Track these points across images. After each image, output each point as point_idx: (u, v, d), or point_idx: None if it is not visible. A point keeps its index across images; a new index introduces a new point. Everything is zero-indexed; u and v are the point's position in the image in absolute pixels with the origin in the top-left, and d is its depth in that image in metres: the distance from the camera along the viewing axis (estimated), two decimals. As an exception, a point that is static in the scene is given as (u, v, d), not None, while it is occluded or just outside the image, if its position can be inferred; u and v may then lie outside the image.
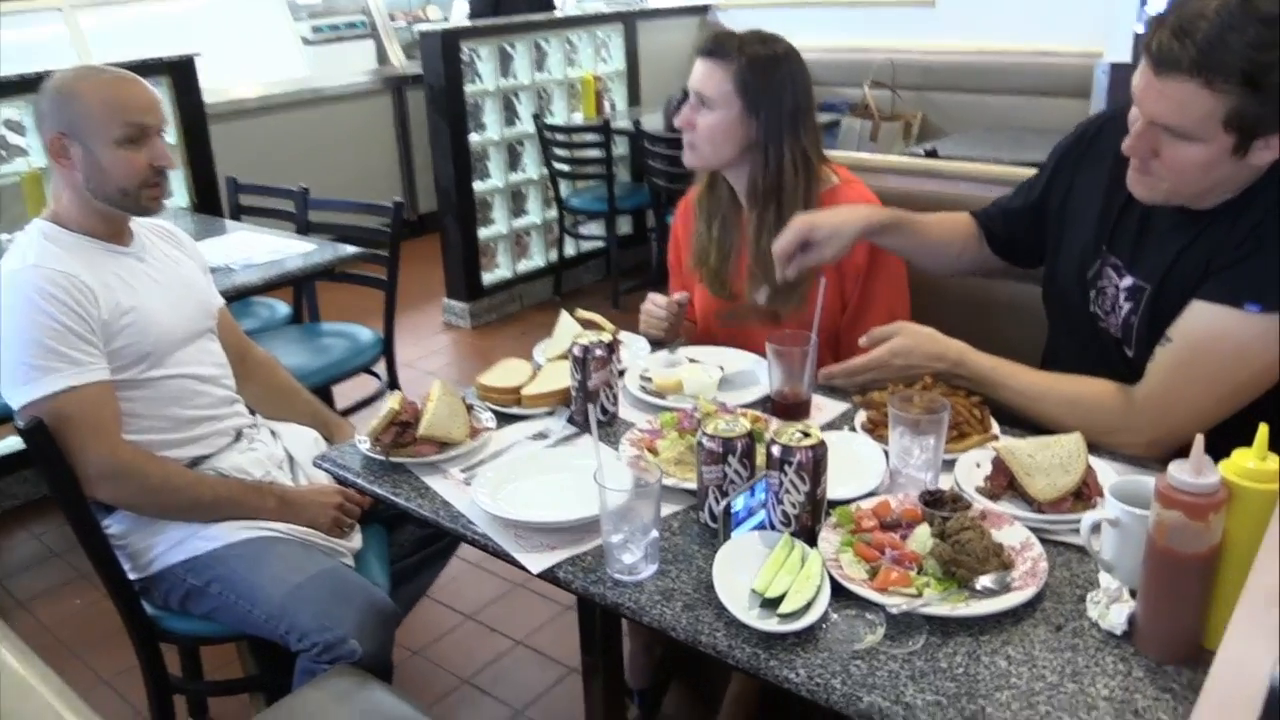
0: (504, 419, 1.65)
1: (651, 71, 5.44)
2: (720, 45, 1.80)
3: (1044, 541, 1.25)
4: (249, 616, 1.63)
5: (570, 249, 5.19)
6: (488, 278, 4.87)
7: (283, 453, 1.92)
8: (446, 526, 1.38)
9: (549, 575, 1.26)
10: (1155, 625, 1.07)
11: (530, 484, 1.43)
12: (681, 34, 5.66)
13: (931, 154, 3.71)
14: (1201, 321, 1.37)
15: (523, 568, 1.27)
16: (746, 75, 1.78)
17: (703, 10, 5.78)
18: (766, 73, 1.79)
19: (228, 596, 1.65)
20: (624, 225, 5.20)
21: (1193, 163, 1.32)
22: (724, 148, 1.82)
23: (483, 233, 4.82)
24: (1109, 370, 1.51)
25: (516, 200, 5.02)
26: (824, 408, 1.66)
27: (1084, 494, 1.32)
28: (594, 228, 5.15)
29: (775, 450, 1.24)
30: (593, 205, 4.86)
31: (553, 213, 5.06)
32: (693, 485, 1.36)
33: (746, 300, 1.90)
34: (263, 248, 2.90)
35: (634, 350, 1.89)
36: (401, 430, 1.52)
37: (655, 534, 1.23)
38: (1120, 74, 4.06)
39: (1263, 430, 1.02)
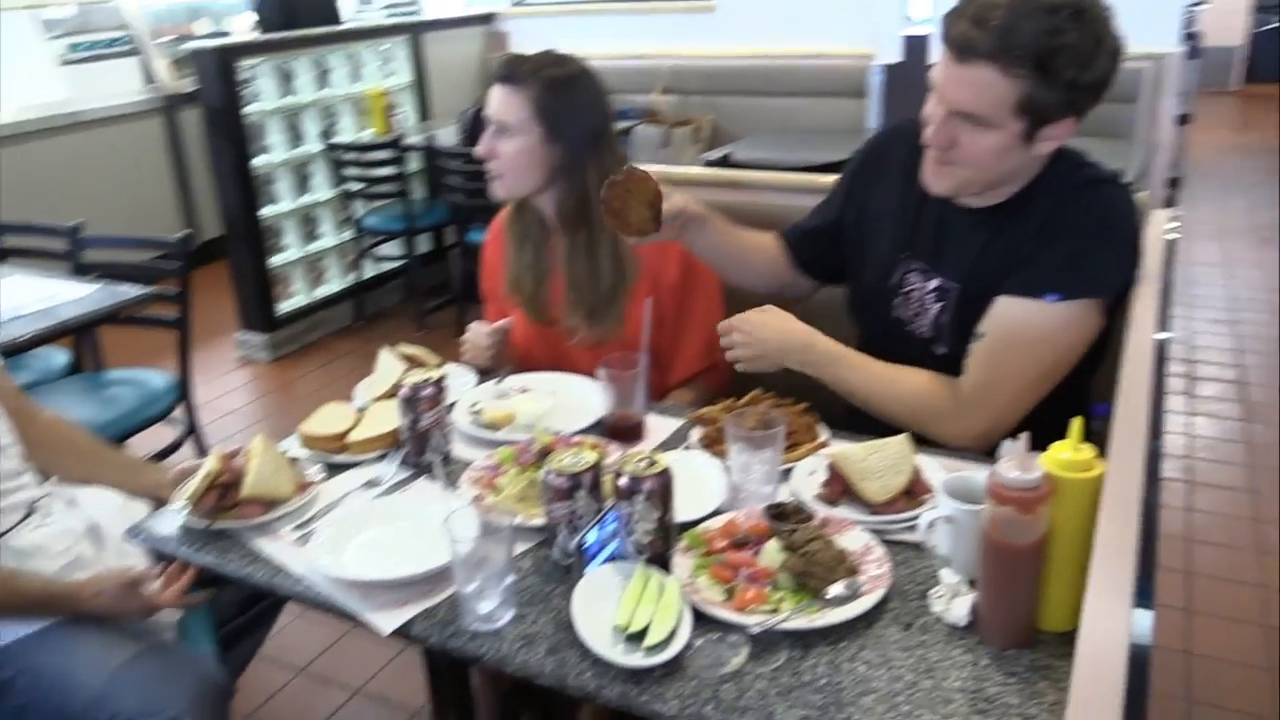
0: (332, 468, 1.58)
1: (441, 84, 5.34)
2: (515, 70, 1.78)
3: (883, 542, 1.30)
4: (65, 709, 1.48)
5: (369, 271, 5.03)
6: (284, 306, 4.65)
7: (83, 524, 1.76)
8: (285, 592, 1.30)
9: (402, 633, 1.21)
10: (995, 614, 1.13)
11: (371, 537, 1.37)
12: (468, 44, 5.59)
13: (726, 160, 3.81)
14: (1009, 315, 1.48)
15: (374, 629, 1.22)
16: (544, 99, 1.77)
17: (487, 19, 5.73)
18: (564, 95, 1.78)
19: (38, 691, 1.50)
20: (423, 243, 5.08)
21: (988, 150, 1.43)
22: (529, 175, 1.81)
23: (275, 260, 4.60)
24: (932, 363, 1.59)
25: (309, 223, 4.82)
26: (658, 427, 1.67)
27: (914, 492, 1.38)
28: (392, 247, 5.01)
29: (623, 481, 1.23)
30: (390, 224, 4.73)
31: (348, 234, 4.89)
32: (541, 522, 1.34)
33: (564, 325, 1.89)
34: (33, 294, 2.66)
35: (460, 382, 1.84)
36: (223, 493, 1.42)
37: (510, 578, 1.21)
38: (893, 74, 4.30)
39: (1076, 423, 1.10)
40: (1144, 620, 0.76)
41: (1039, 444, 1.32)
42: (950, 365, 1.55)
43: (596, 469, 1.28)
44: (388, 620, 1.22)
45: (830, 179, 2.01)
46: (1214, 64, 9.49)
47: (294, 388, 4.30)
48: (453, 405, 1.69)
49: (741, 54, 5.02)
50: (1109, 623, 0.76)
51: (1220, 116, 9.39)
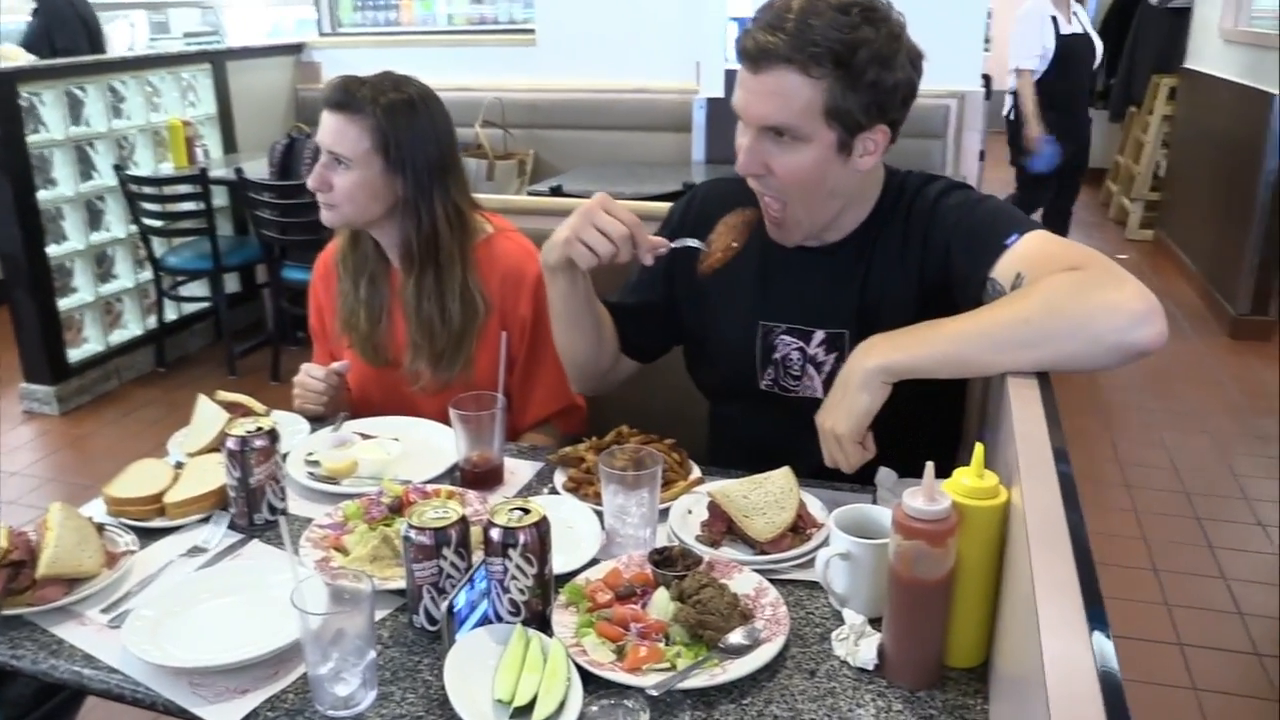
0: (146, 535, 1.37)
1: (248, 115, 5.03)
2: (351, 97, 1.65)
3: (773, 583, 1.22)
4: None
5: (171, 313, 4.65)
6: (75, 354, 4.22)
7: None
8: (95, 688, 1.09)
9: (244, 729, 1.03)
10: (905, 654, 1.07)
11: (198, 615, 1.18)
12: (277, 74, 5.30)
13: (557, 191, 3.73)
14: (1006, 266, 1.30)
15: (207, 726, 1.03)
16: (385, 129, 1.64)
17: (296, 49, 5.45)
18: (406, 124, 1.66)
19: None
20: (232, 283, 4.75)
21: (804, 167, 1.37)
22: (368, 208, 1.68)
23: (63, 303, 4.17)
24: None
25: (102, 263, 4.41)
26: (517, 471, 1.56)
27: (800, 528, 1.31)
28: (197, 288, 4.66)
29: (495, 534, 1.11)
30: (194, 263, 4.39)
31: (147, 274, 4.50)
32: (398, 585, 1.19)
33: (406, 368, 1.76)
34: None
35: (291, 431, 1.66)
36: (14, 573, 1.19)
37: (372, 654, 1.05)
38: (715, 108, 4.34)
39: (979, 449, 1.05)
40: (1105, 648, 0.70)
41: (918, 473, 1.28)
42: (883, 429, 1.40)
43: (464, 522, 1.15)
44: (226, 714, 1.04)
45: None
46: (997, 106, 10.18)
47: (89, 443, 3.89)
48: (285, 457, 1.52)
49: (564, 87, 4.96)
50: (1072, 644, 0.69)
51: (1003, 154, 10.05)
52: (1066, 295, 1.19)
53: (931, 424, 1.53)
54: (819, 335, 1.50)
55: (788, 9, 1.32)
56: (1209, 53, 5.82)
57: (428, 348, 1.72)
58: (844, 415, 1.26)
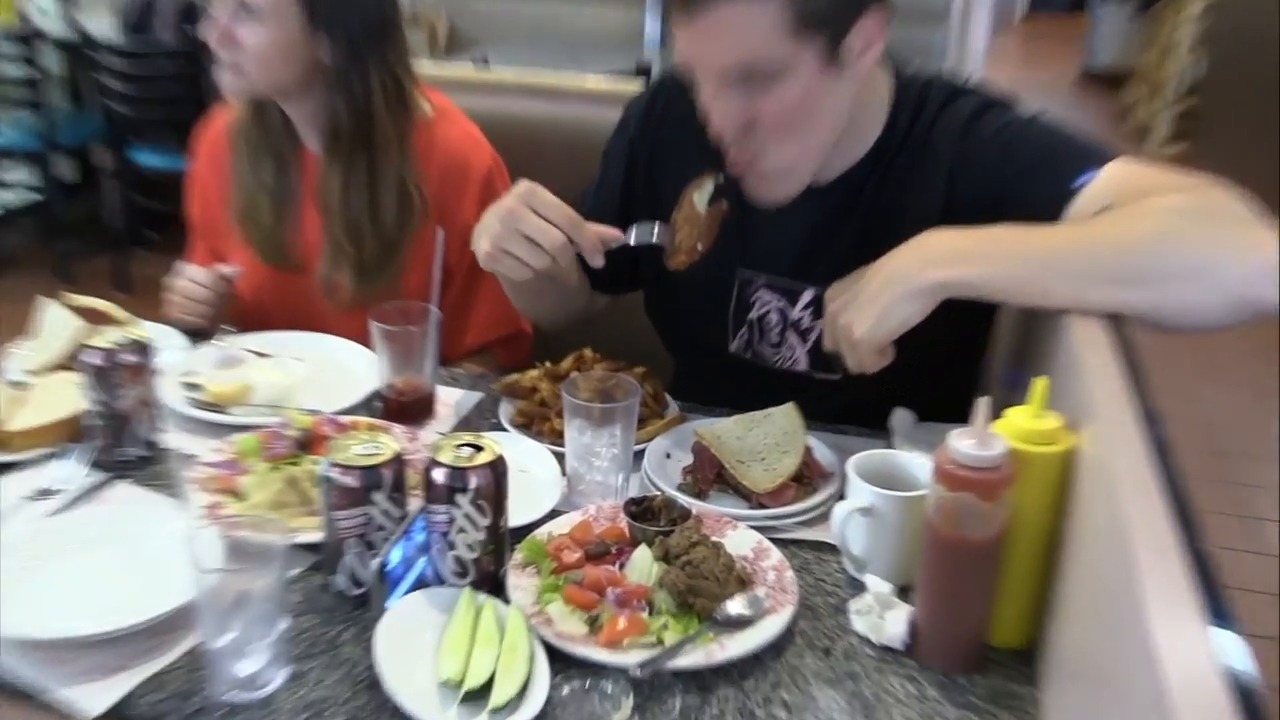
0: (-21, 473, 1.30)
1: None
2: None
3: (774, 542, 1.20)
4: None
5: (-12, 205, 4.52)
6: None
7: None
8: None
9: (120, 715, 0.98)
10: (942, 630, 1.06)
11: (53, 573, 1.13)
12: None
13: (483, 63, 3.64)
14: (1092, 205, 1.25)
15: (73, 712, 0.98)
16: None
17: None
18: None
19: None
20: (66, 168, 4.62)
21: (794, 102, 1.29)
22: (281, 73, 1.62)
23: None
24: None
25: (-102, 139, 4.23)
26: (452, 402, 1.53)
27: (805, 477, 1.30)
28: (22, 173, 4.53)
29: (439, 475, 1.07)
30: (17, 142, 4.32)
31: (-42, 155, 4.35)
32: (313, 538, 1.15)
33: (319, 276, 1.72)
34: None
35: (164, 346, 1.59)
36: None
37: (283, 623, 1.01)
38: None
39: (1040, 383, 1.03)
40: (1232, 645, 0.69)
41: (937, 417, 1.26)
42: (854, 391, 1.40)
43: (400, 459, 1.11)
44: (94, 697, 0.99)
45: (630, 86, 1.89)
46: (1001, -8, 10.22)
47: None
48: (160, 377, 1.45)
49: (488, -58, 4.85)
50: (1188, 651, 0.67)
51: (1007, 51, 10.14)
52: (1188, 223, 1.14)
53: (951, 361, 1.51)
54: (806, 295, 1.46)
55: None
56: (1257, -68, 5.86)
57: (353, 253, 1.68)
58: (871, 319, 1.19)
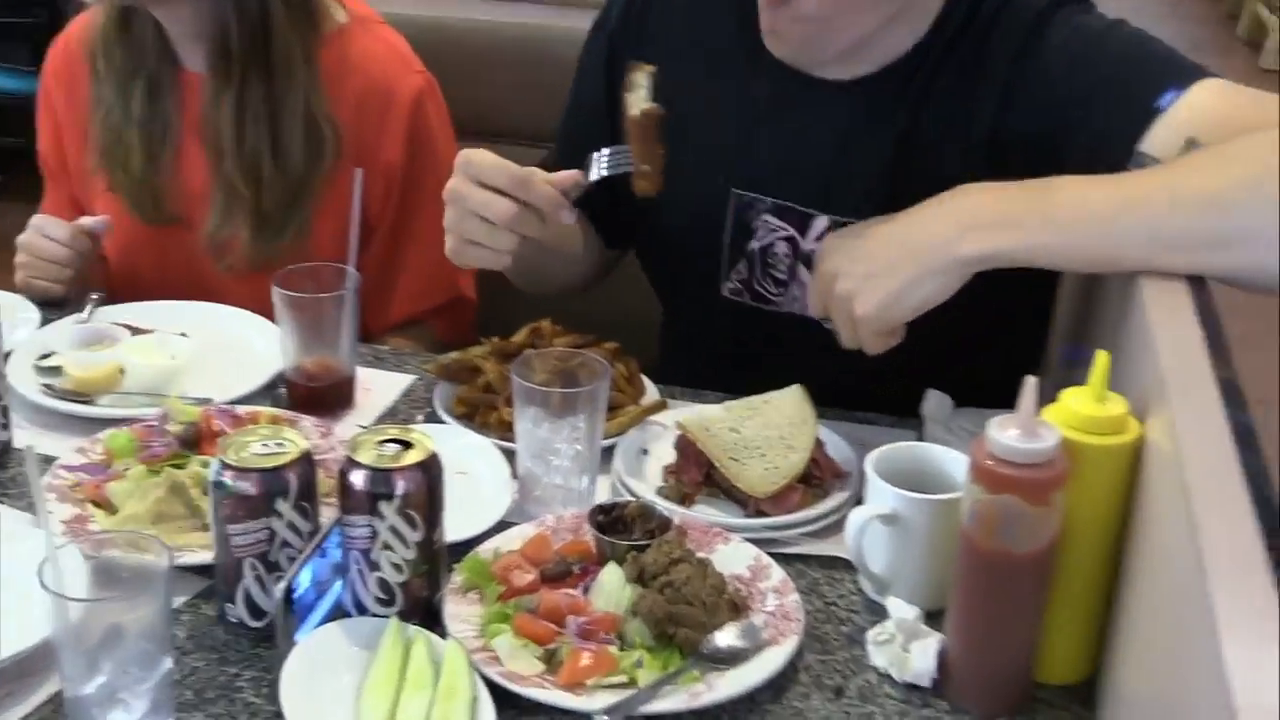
0: None
1: None
2: None
3: (775, 558, 1.24)
4: None
5: None
6: None
7: None
8: None
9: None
10: (979, 664, 1.10)
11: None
12: None
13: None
14: (1176, 130, 1.29)
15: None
16: None
17: None
18: None
19: None
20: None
21: None
22: None
23: None
24: (802, 366, 1.44)
25: None
26: (375, 388, 1.57)
27: (815, 478, 1.33)
28: None
29: (358, 479, 1.11)
30: None
31: None
32: (200, 558, 1.19)
33: (207, 231, 1.74)
34: None
35: (12, 321, 1.64)
36: None
37: (166, 663, 1.04)
38: None
39: (1102, 359, 1.05)
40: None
41: (981, 403, 1.29)
42: (903, 350, 1.36)
43: (309, 459, 1.15)
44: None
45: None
46: None
47: None
48: (7, 358, 1.49)
49: None
50: (1269, 692, 0.70)
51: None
52: None
53: (1004, 332, 1.54)
54: (821, 222, 1.50)
55: None
56: None
57: (250, 201, 1.70)
58: (882, 295, 1.23)
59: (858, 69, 1.47)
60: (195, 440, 1.35)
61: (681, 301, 1.70)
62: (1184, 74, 1.31)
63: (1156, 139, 1.28)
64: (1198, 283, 1.19)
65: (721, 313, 1.59)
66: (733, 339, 1.60)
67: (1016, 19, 1.42)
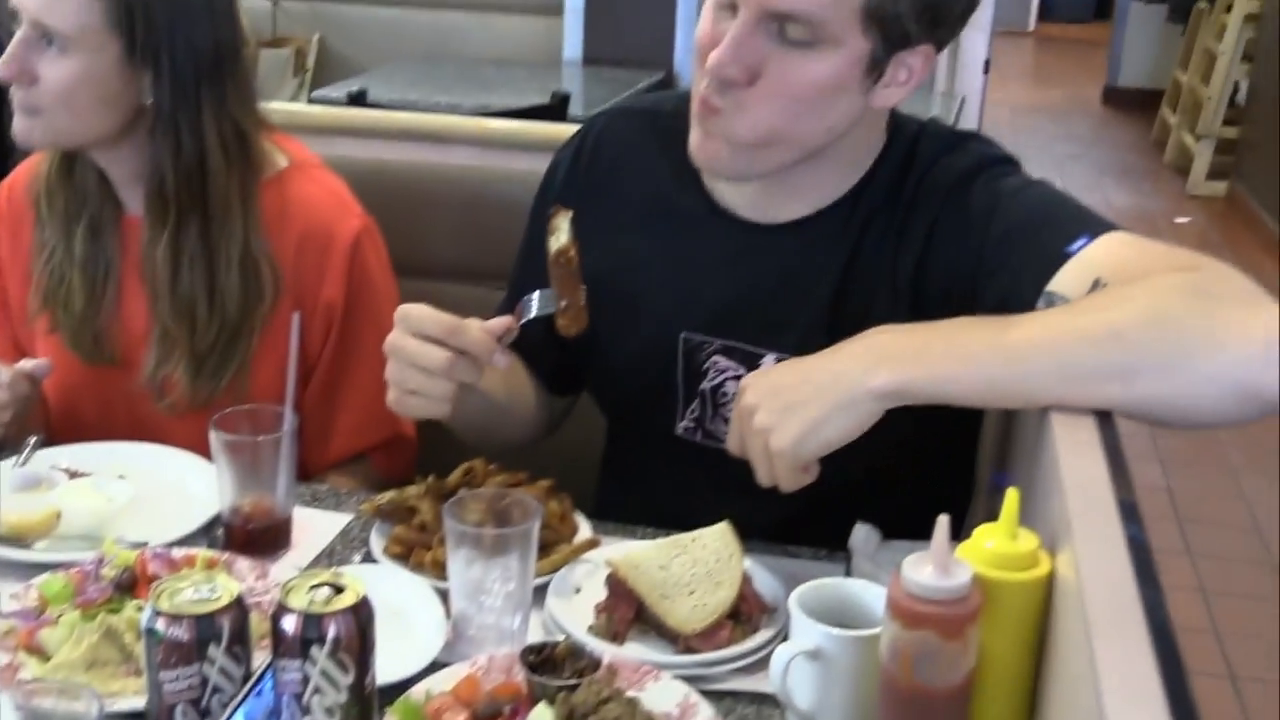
0: None
1: None
2: None
3: (704, 695, 1.24)
4: None
5: None
6: None
7: None
8: None
9: None
10: (905, 802, 1.10)
11: None
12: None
13: (358, 99, 3.71)
14: (1083, 272, 1.33)
15: None
16: None
17: None
18: None
19: None
20: None
21: (814, 82, 1.40)
22: (94, 118, 1.67)
23: None
24: (744, 502, 1.42)
25: None
26: (311, 528, 1.57)
27: (743, 613, 1.35)
28: None
29: (290, 624, 1.11)
30: None
31: None
32: (133, 704, 1.19)
33: (145, 371, 1.75)
34: None
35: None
36: None
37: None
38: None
39: (1011, 497, 1.09)
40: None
41: (913, 533, 1.32)
42: (836, 483, 1.37)
43: (240, 605, 1.15)
44: None
45: (557, 128, 1.97)
46: (1008, -5, 10.53)
47: None
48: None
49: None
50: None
51: (1015, 65, 10.43)
52: (1182, 303, 1.21)
53: (933, 464, 1.59)
54: (769, 360, 1.53)
55: None
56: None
57: (186, 342, 1.71)
58: (797, 429, 1.25)
59: (795, 212, 1.52)
60: (131, 584, 1.34)
61: (635, 439, 1.72)
62: (1097, 226, 1.37)
63: (1066, 280, 1.32)
64: (1105, 419, 1.23)
65: (673, 451, 1.62)
66: (683, 476, 1.62)
67: (945, 174, 1.49)
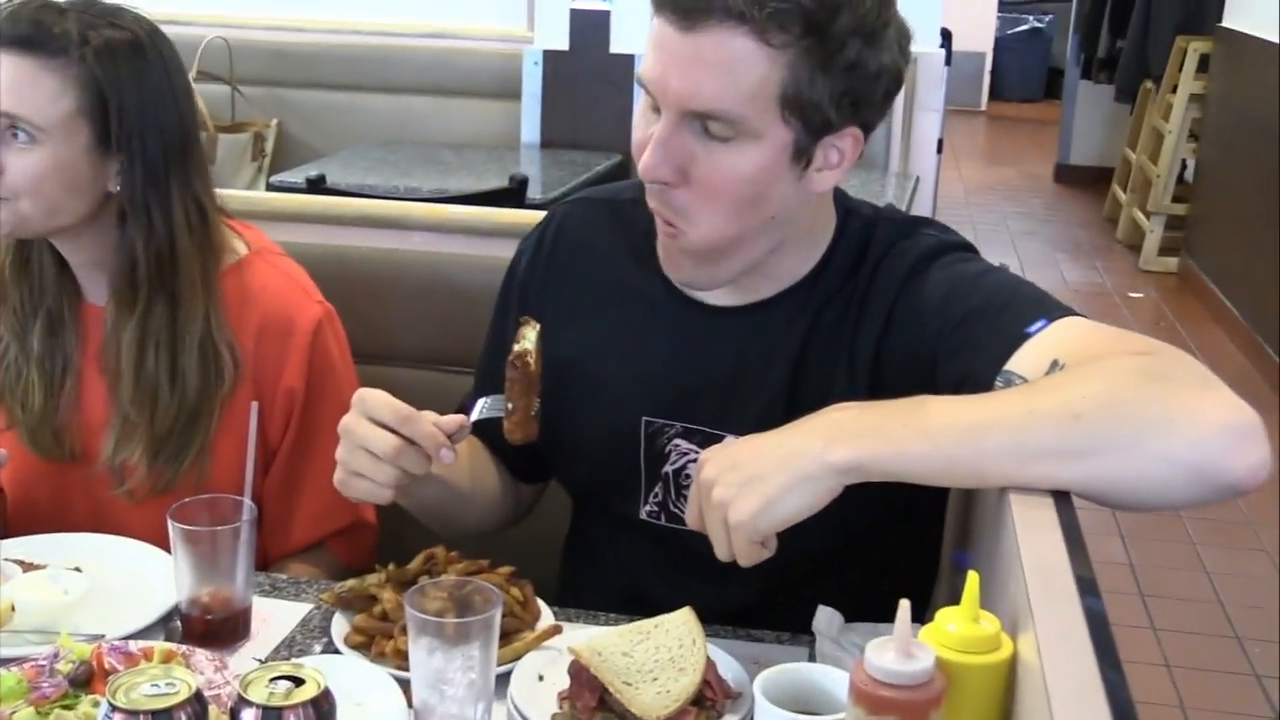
0: None
1: None
2: (45, 32, 1.63)
3: (668, 784, 1.24)
4: None
5: None
6: None
7: None
8: None
9: None
10: None
11: None
12: None
13: (317, 185, 3.71)
14: (1030, 360, 1.34)
15: None
16: (101, 83, 1.64)
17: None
18: (132, 77, 1.67)
19: None
20: None
21: (742, 177, 1.40)
22: (62, 205, 1.67)
23: None
24: (708, 584, 1.46)
25: None
26: (271, 619, 1.55)
27: (707, 699, 1.34)
28: None
29: (249, 718, 1.10)
30: None
31: None
32: (89, 803, 1.16)
33: (104, 457, 1.74)
34: None
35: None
36: None
37: None
38: (557, 64, 4.41)
39: (972, 581, 1.09)
40: None
41: (879, 613, 1.32)
42: (800, 563, 1.41)
43: (199, 699, 1.13)
44: None
45: (515, 214, 1.99)
46: (963, 74, 10.71)
47: None
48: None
49: (326, 26, 4.97)
50: None
51: (968, 144, 10.59)
52: (1136, 385, 1.23)
53: (896, 542, 1.59)
54: (729, 441, 1.51)
55: None
56: (1256, 6, 6.18)
57: (146, 426, 1.70)
58: (755, 504, 1.24)
59: (752, 295, 1.54)
60: (86, 679, 1.32)
61: (599, 522, 1.73)
62: (1055, 309, 1.38)
63: (1024, 360, 1.33)
64: (1063, 499, 1.24)
65: (637, 534, 1.62)
66: (646, 559, 1.63)
67: (903, 257, 1.50)
